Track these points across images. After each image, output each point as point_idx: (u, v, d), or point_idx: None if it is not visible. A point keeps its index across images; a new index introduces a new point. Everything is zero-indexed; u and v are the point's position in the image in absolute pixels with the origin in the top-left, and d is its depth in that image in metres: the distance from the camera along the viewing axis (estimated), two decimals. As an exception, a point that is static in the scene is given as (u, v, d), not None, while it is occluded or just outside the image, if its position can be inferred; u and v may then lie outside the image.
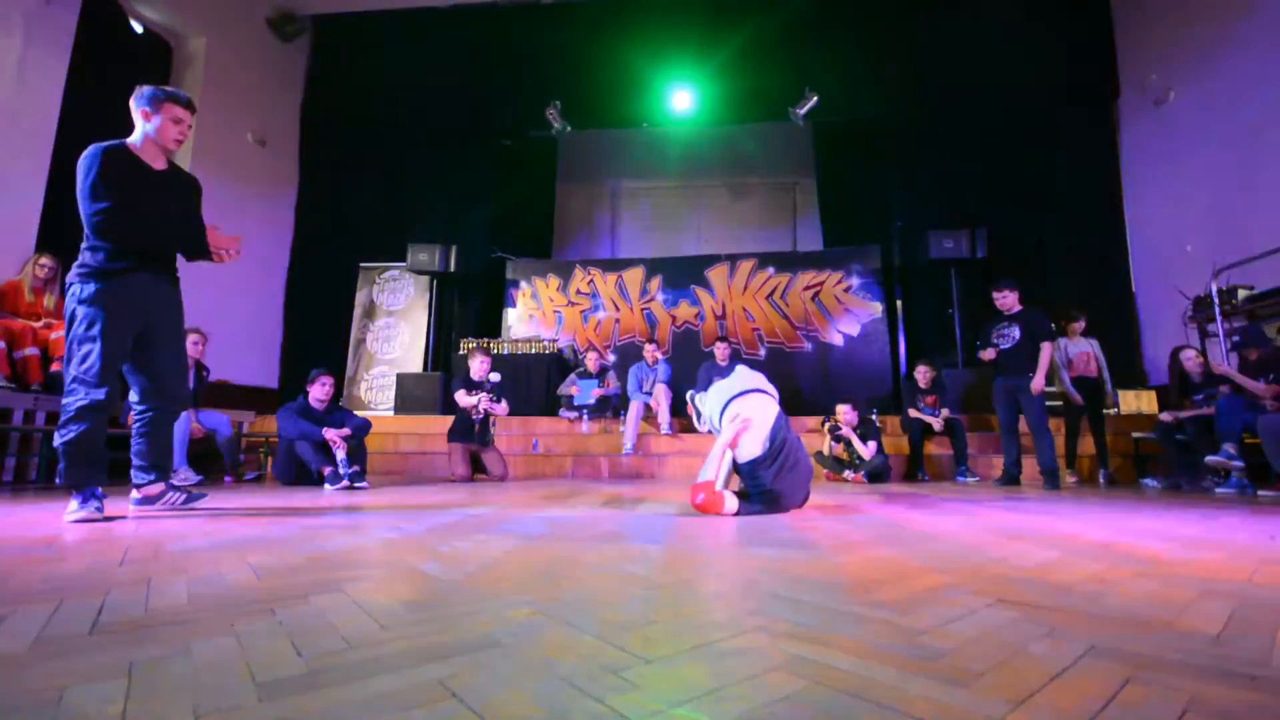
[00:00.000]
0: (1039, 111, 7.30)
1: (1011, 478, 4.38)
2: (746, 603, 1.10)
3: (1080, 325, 5.04)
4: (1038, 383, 4.23)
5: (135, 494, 2.53)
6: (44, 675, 0.73)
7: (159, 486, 2.54)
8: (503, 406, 4.97)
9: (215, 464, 4.68)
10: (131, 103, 2.41)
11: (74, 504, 2.20)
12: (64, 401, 2.21)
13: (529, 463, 5.52)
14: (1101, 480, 4.78)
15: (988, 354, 4.50)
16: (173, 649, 0.82)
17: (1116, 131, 7.21)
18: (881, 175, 7.86)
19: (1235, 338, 4.53)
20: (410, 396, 6.75)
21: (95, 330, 2.21)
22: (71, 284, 2.27)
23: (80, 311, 2.23)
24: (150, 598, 1.10)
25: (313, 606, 1.05)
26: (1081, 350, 4.94)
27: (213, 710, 0.63)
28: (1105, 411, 5.05)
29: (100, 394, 2.21)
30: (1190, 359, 4.53)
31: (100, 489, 2.27)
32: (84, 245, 2.28)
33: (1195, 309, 5.51)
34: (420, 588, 1.21)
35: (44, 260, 4.42)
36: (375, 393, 7.71)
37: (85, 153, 2.26)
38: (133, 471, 2.51)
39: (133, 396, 2.47)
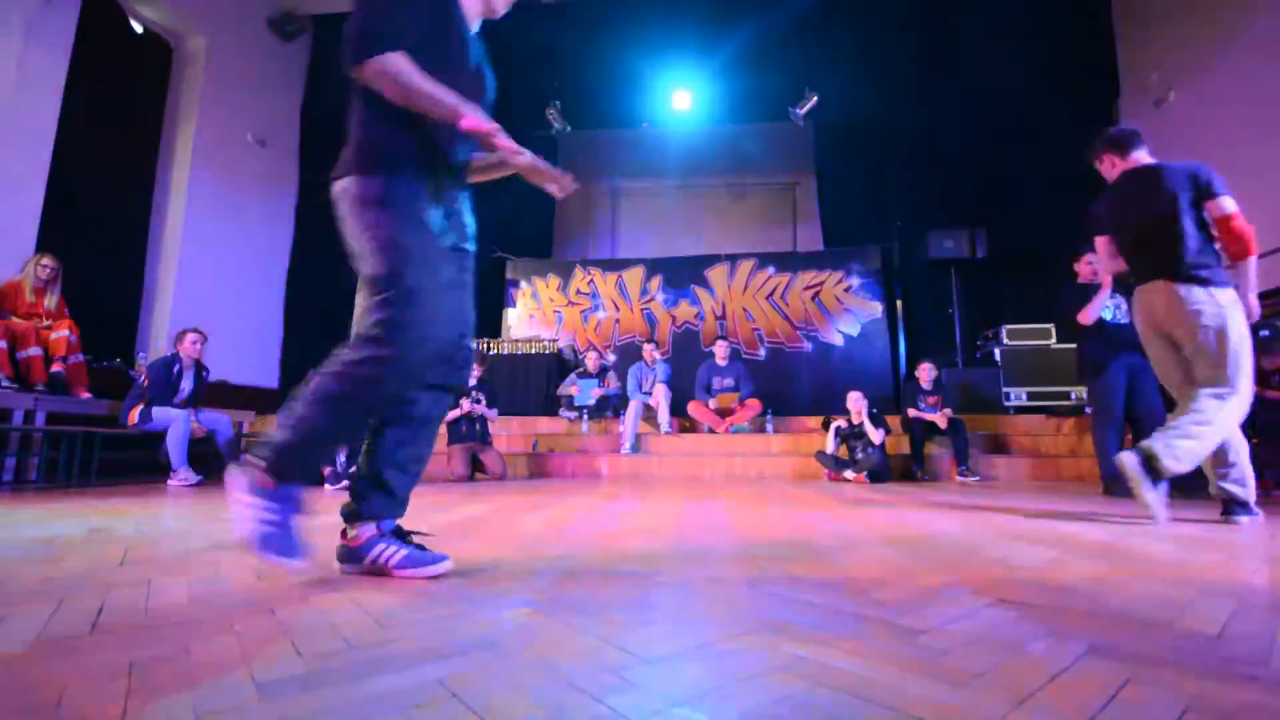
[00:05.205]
0: (1039, 112, 7.29)
1: (1115, 482, 3.31)
2: (746, 602, 1.10)
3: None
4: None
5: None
6: (44, 675, 0.73)
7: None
8: (490, 411, 5.04)
9: (216, 464, 4.67)
10: None
11: None
12: None
13: (529, 463, 5.51)
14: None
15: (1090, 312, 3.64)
16: (173, 649, 0.82)
17: (1117, 132, 7.19)
18: (881, 175, 7.85)
19: (1264, 332, 3.98)
20: (410, 396, 6.73)
21: None
22: None
23: None
24: (150, 598, 1.10)
25: (313, 606, 1.05)
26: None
27: (213, 710, 0.63)
28: None
29: None
30: None
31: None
32: None
33: (1195, 309, 5.47)
34: (420, 588, 1.21)
35: (45, 260, 4.42)
36: (375, 393, 7.71)
37: None
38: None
39: None
